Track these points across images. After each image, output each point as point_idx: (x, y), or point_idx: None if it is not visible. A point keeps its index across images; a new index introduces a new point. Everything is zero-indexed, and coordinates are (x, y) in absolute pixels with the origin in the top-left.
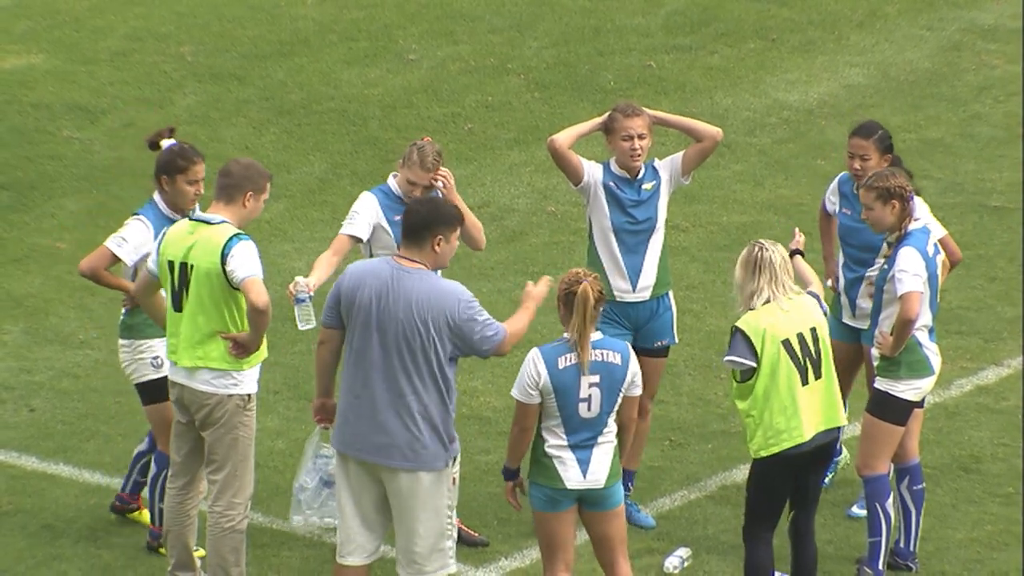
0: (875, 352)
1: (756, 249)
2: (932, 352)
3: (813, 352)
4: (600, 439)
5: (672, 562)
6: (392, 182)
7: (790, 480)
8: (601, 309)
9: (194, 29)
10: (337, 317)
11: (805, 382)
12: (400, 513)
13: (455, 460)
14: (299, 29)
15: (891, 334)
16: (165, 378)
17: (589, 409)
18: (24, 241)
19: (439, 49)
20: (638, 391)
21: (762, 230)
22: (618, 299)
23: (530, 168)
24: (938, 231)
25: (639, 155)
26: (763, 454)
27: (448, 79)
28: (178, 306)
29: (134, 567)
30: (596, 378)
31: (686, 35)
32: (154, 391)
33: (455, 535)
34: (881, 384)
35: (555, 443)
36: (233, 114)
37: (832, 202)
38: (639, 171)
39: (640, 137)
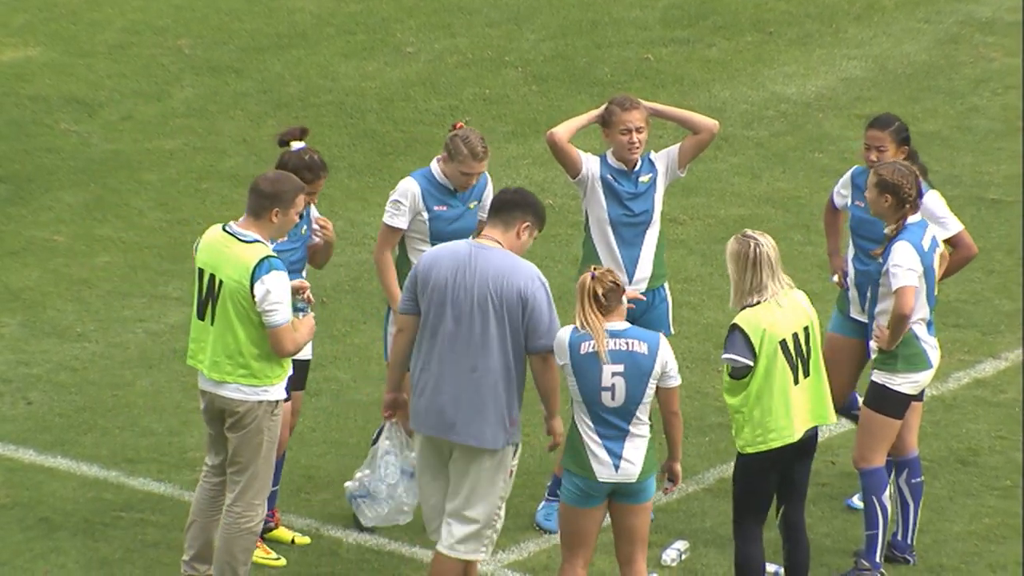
0: (873, 345)
1: (751, 244)
2: (930, 346)
3: (804, 351)
4: (632, 430)
5: (670, 555)
6: (436, 169)
7: (775, 474)
8: (620, 299)
9: (192, 22)
10: (414, 302)
11: (797, 381)
12: (455, 489)
13: (516, 451)
14: (297, 22)
15: (887, 328)
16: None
17: (613, 398)
18: (21, 234)
19: (436, 42)
20: (674, 383)
21: (759, 223)
22: None
23: (528, 161)
24: (954, 226)
25: (637, 148)
26: (750, 450)
27: (445, 72)
28: (202, 314)
29: (132, 560)
30: (620, 367)
31: (684, 28)
32: None
33: (499, 527)
34: (878, 377)
35: (586, 431)
36: (231, 107)
37: (843, 195)
38: (636, 164)
39: (638, 130)
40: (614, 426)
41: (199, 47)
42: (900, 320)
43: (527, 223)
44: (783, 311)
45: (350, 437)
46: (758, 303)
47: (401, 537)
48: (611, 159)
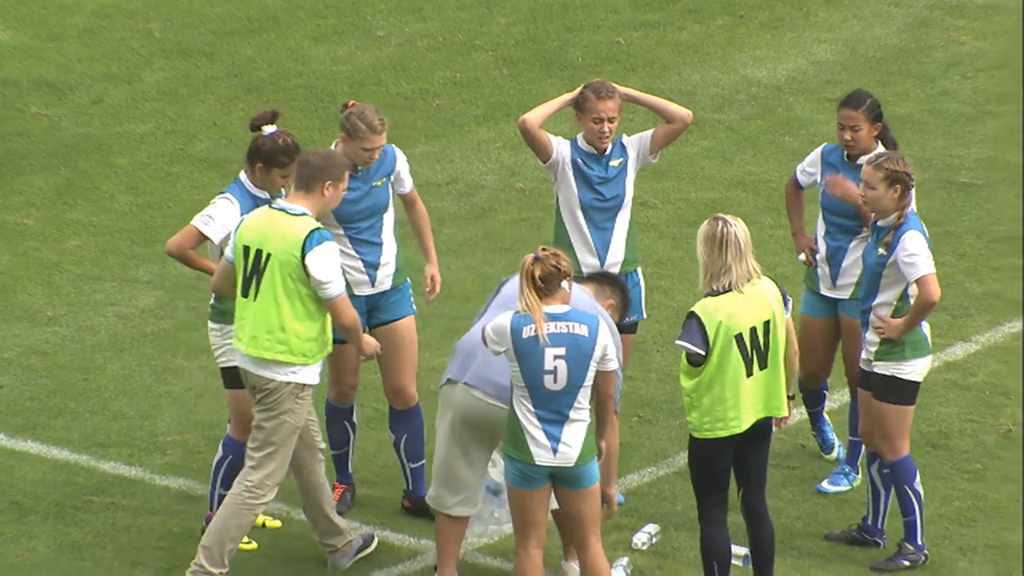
0: (871, 337)
1: (720, 225)
2: (926, 330)
3: (763, 344)
4: (572, 415)
5: (640, 538)
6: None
7: (728, 455)
8: (560, 284)
9: (162, 5)
10: None
11: (750, 373)
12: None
13: None
14: (267, 6)
15: (892, 317)
16: None
17: (555, 381)
18: None
19: (407, 26)
20: (612, 365)
21: (731, 206)
22: (587, 275)
23: (498, 144)
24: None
25: (607, 137)
26: (697, 435)
27: (416, 56)
28: (246, 292)
29: (103, 544)
30: (562, 350)
31: (654, 11)
32: (237, 377)
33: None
34: (885, 369)
35: (526, 415)
36: (201, 90)
37: (809, 174)
38: (607, 148)
39: (610, 120)
40: (554, 410)
41: (169, 30)
42: (928, 307)
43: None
44: (745, 302)
45: (320, 420)
46: (724, 291)
47: (371, 520)
48: (582, 143)
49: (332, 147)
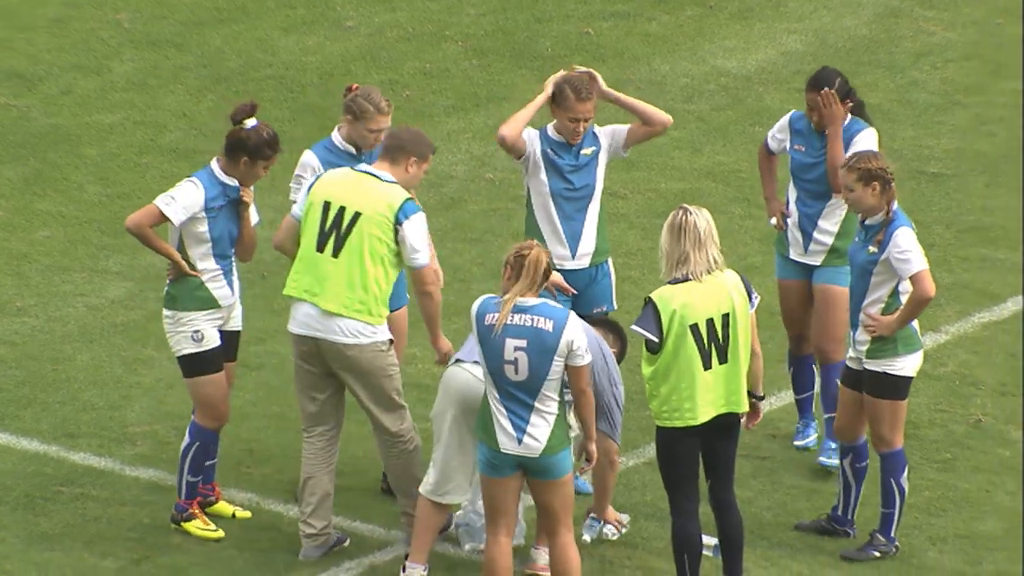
0: (862, 336)
1: (680, 214)
2: (916, 325)
3: (721, 337)
4: (538, 405)
5: (609, 528)
6: (336, 137)
7: (694, 446)
8: (547, 278)
9: None
10: None
11: (708, 367)
12: None
13: None
14: None
15: (883, 314)
16: (206, 352)
17: (516, 372)
18: None
19: (377, 16)
20: (582, 361)
21: (700, 196)
22: (557, 266)
23: (468, 135)
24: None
25: (579, 136)
26: (658, 423)
27: (386, 46)
28: (321, 247)
29: (73, 535)
30: (523, 342)
31: (624, 2)
32: (195, 364)
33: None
34: (876, 366)
35: (494, 402)
36: (171, 81)
37: (779, 139)
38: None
39: (586, 120)
40: (519, 400)
41: (138, 21)
42: (924, 304)
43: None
44: (703, 293)
45: (291, 411)
46: (683, 280)
47: (342, 512)
48: (552, 132)
49: (333, 132)
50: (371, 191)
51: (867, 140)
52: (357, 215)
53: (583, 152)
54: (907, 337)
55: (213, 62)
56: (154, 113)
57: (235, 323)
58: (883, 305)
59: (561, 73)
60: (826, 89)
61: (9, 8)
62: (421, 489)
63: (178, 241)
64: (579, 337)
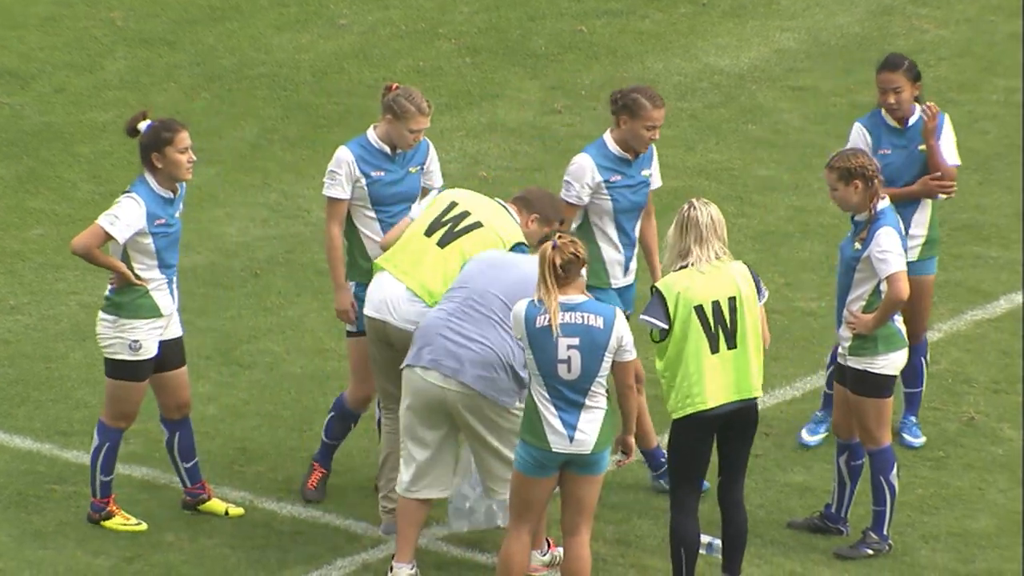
0: (844, 332)
1: (686, 207)
2: (900, 324)
3: (728, 321)
4: (588, 402)
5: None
6: (372, 134)
7: (707, 443)
8: (579, 272)
9: None
10: None
11: (715, 350)
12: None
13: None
14: None
15: (864, 312)
16: (139, 362)
17: (569, 371)
18: None
19: (370, 14)
20: (629, 356)
21: (693, 194)
22: (614, 287)
23: (461, 133)
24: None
25: (651, 143)
26: (675, 416)
27: (379, 44)
28: (431, 232)
29: (65, 533)
30: (575, 340)
31: (617, 0)
32: (123, 370)
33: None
34: (858, 364)
35: (543, 402)
36: (164, 79)
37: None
38: (640, 154)
39: (658, 128)
40: (570, 399)
41: (132, 19)
42: (896, 305)
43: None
44: (704, 278)
45: (284, 410)
46: (683, 268)
47: (336, 509)
48: (612, 146)
49: (369, 130)
50: (501, 216)
51: (948, 125)
52: (478, 224)
53: (643, 172)
54: (889, 336)
55: (206, 60)
56: (154, 117)
57: (174, 330)
58: (864, 303)
59: None
60: (929, 104)
61: (1, 6)
62: (396, 487)
63: (122, 252)
64: (627, 333)
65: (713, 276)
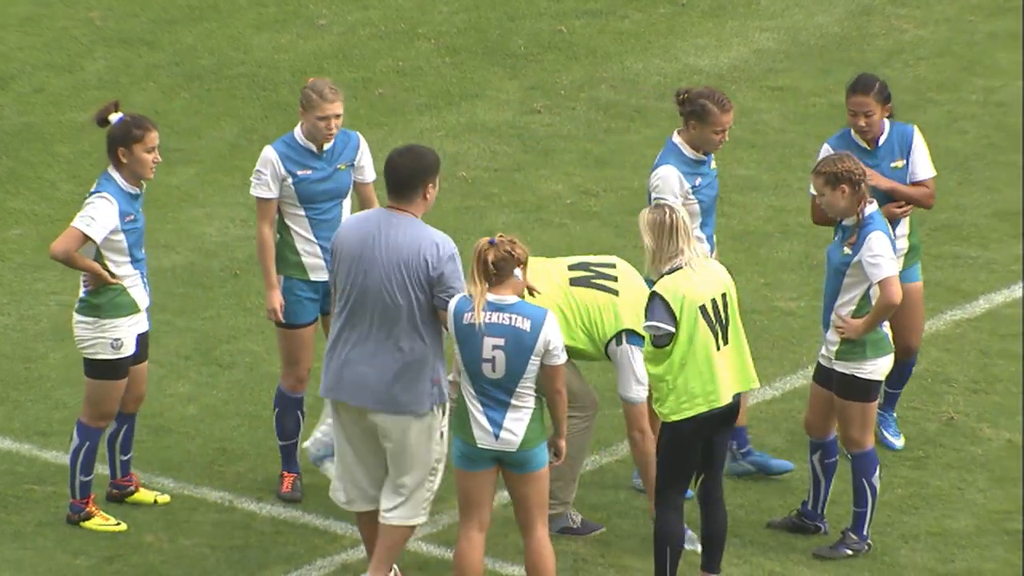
0: (832, 336)
1: (668, 212)
2: (887, 329)
3: (723, 317)
4: (514, 402)
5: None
6: (298, 132)
7: (700, 442)
8: (513, 271)
9: None
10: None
11: (718, 347)
12: (390, 460)
13: (444, 412)
14: None
15: (853, 316)
16: (120, 360)
17: (494, 370)
18: None
19: (349, 14)
20: (558, 361)
21: None
22: None
23: (441, 133)
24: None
25: (721, 146)
26: (675, 418)
27: (358, 44)
28: None
29: (44, 533)
30: (501, 340)
31: (597, 0)
32: (104, 369)
33: (434, 488)
34: (845, 368)
35: (470, 399)
36: (143, 79)
37: None
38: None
39: (727, 130)
40: (496, 397)
41: (111, 19)
42: (888, 310)
43: (429, 183)
44: (699, 276)
45: (264, 410)
46: (675, 270)
47: (315, 509)
48: (686, 150)
49: (296, 128)
50: (634, 298)
51: (918, 137)
52: (614, 290)
53: (712, 165)
54: (877, 341)
55: (186, 60)
56: (127, 111)
57: (142, 324)
58: (854, 307)
59: None
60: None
61: None
62: (330, 494)
63: (95, 252)
64: (556, 337)
65: (705, 274)
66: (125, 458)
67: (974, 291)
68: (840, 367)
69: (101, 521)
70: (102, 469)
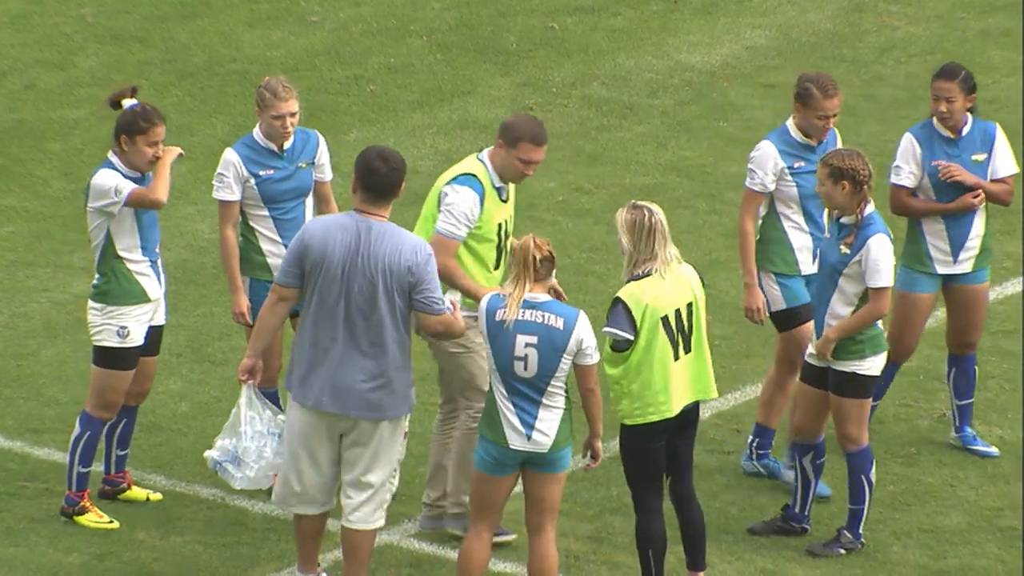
0: (831, 336)
1: (645, 213)
2: (881, 325)
3: (686, 327)
4: (545, 401)
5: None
6: (257, 132)
7: (660, 444)
8: (550, 272)
9: None
10: (299, 276)
11: (677, 357)
12: (355, 461)
13: (407, 413)
14: None
15: (855, 317)
16: (126, 349)
17: (525, 368)
18: None
19: (341, 11)
20: (591, 360)
21: (665, 192)
22: (803, 273)
23: (433, 130)
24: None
25: (827, 132)
26: (628, 422)
27: (350, 41)
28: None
29: (37, 530)
30: (533, 339)
31: None
32: (110, 358)
33: (395, 489)
34: (846, 367)
35: (501, 399)
36: (135, 76)
37: (911, 172)
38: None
39: (834, 116)
40: (527, 396)
41: (103, 16)
42: (875, 319)
43: (402, 187)
44: (667, 285)
45: None
46: (646, 274)
47: None
48: (794, 132)
49: (255, 129)
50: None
51: (1000, 134)
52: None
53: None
54: (874, 337)
55: (178, 57)
56: (142, 99)
57: (159, 318)
58: (853, 308)
59: None
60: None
61: None
62: (272, 498)
63: (105, 234)
64: (589, 336)
65: (674, 283)
66: (121, 453)
67: None
68: (840, 365)
69: (95, 518)
70: (97, 466)
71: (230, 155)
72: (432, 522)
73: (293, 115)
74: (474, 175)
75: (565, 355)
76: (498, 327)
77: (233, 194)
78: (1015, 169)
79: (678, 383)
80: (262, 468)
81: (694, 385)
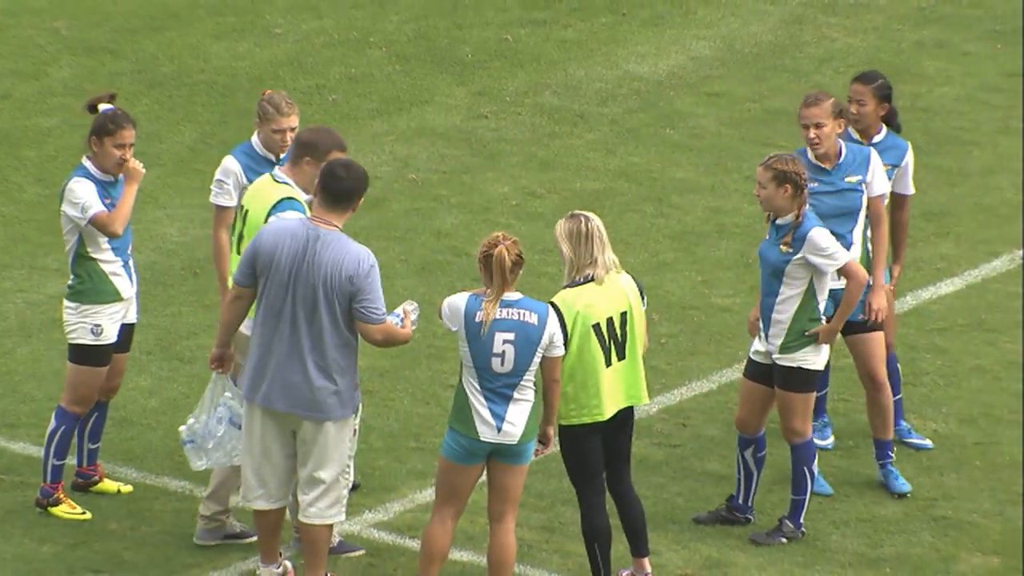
0: (775, 332)
1: (583, 220)
2: (824, 320)
3: (620, 335)
4: (516, 395)
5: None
6: (255, 141)
7: (599, 443)
8: (519, 271)
9: (67, 4)
10: (252, 276)
11: (608, 364)
12: (304, 459)
13: (357, 412)
14: (169, 4)
15: (798, 310)
16: (100, 347)
17: (502, 364)
18: None
19: (304, 23)
20: (559, 352)
21: (614, 196)
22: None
23: (392, 137)
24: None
25: (817, 143)
26: (563, 423)
27: (313, 52)
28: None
29: (13, 521)
30: (511, 335)
31: (541, 10)
32: (85, 355)
33: (350, 485)
34: (791, 361)
35: (473, 393)
36: (107, 86)
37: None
38: (835, 160)
39: (816, 126)
40: (500, 391)
41: (75, 28)
42: (861, 288)
43: (360, 199)
44: (603, 293)
45: None
46: (586, 280)
47: None
48: (808, 154)
49: (253, 137)
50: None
51: (909, 160)
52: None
53: (847, 179)
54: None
55: (147, 68)
56: (91, 117)
57: (131, 316)
58: (798, 304)
59: None
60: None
61: None
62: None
63: (78, 238)
64: (558, 330)
65: (609, 291)
66: (93, 447)
67: (901, 288)
68: (786, 361)
69: (68, 509)
70: (70, 459)
71: (231, 163)
72: (213, 534)
73: (293, 130)
74: (293, 197)
75: (538, 349)
76: (477, 327)
77: (231, 200)
78: (886, 190)
79: (610, 388)
80: (222, 453)
81: (627, 391)
